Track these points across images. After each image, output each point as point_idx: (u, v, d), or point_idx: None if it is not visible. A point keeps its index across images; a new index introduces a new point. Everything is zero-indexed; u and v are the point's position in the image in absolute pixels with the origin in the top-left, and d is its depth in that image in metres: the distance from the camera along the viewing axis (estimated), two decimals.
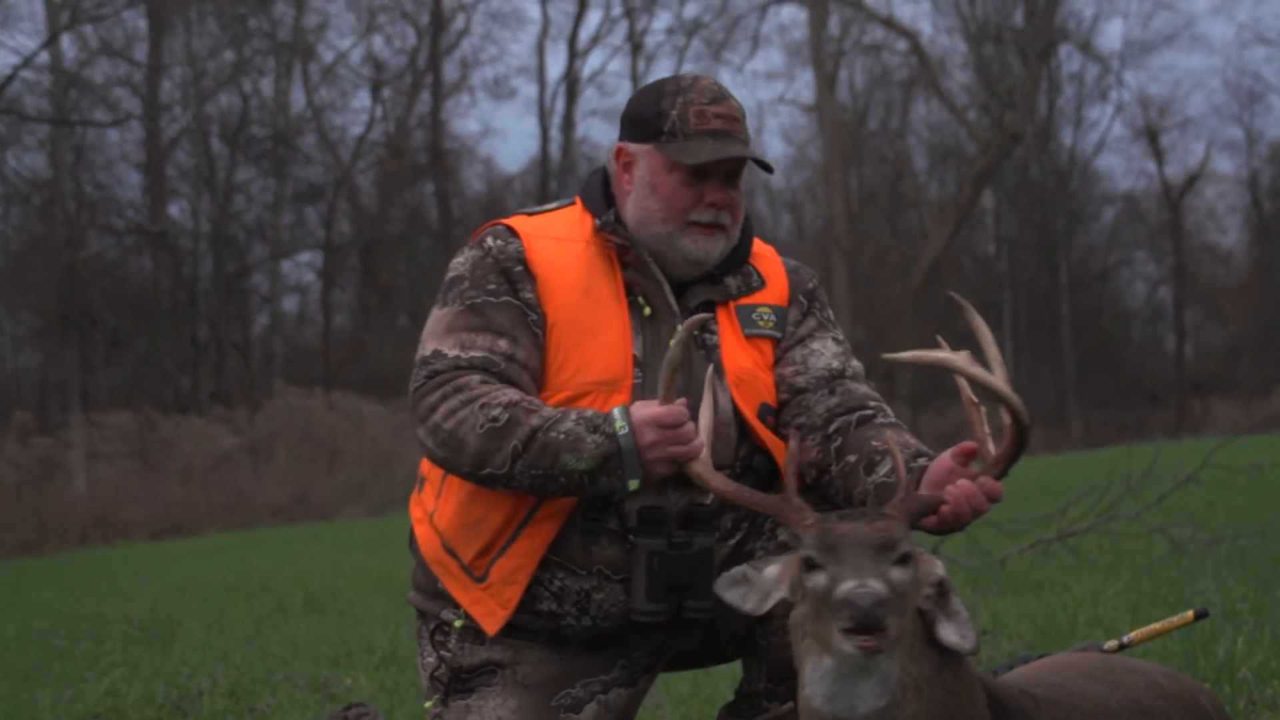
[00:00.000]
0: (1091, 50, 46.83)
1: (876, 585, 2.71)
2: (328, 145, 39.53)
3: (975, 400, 3.20)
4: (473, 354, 3.44)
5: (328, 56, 40.04)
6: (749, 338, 3.66)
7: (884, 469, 3.34)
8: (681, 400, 3.22)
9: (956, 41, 46.26)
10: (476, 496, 3.48)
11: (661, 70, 44.21)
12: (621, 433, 3.19)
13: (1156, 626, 4.00)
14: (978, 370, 3.01)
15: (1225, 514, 12.13)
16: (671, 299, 3.59)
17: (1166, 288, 50.04)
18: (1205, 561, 8.95)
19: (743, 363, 3.62)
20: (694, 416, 3.38)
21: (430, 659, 3.67)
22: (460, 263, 3.62)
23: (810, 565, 2.83)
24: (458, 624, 3.60)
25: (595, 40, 42.94)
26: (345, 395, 32.01)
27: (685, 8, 44.14)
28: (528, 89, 59.93)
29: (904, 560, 2.83)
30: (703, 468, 3.18)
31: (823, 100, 41.38)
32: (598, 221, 3.61)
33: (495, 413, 3.28)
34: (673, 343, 3.11)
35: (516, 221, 3.66)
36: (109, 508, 26.60)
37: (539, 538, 3.45)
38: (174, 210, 36.74)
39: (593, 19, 57.18)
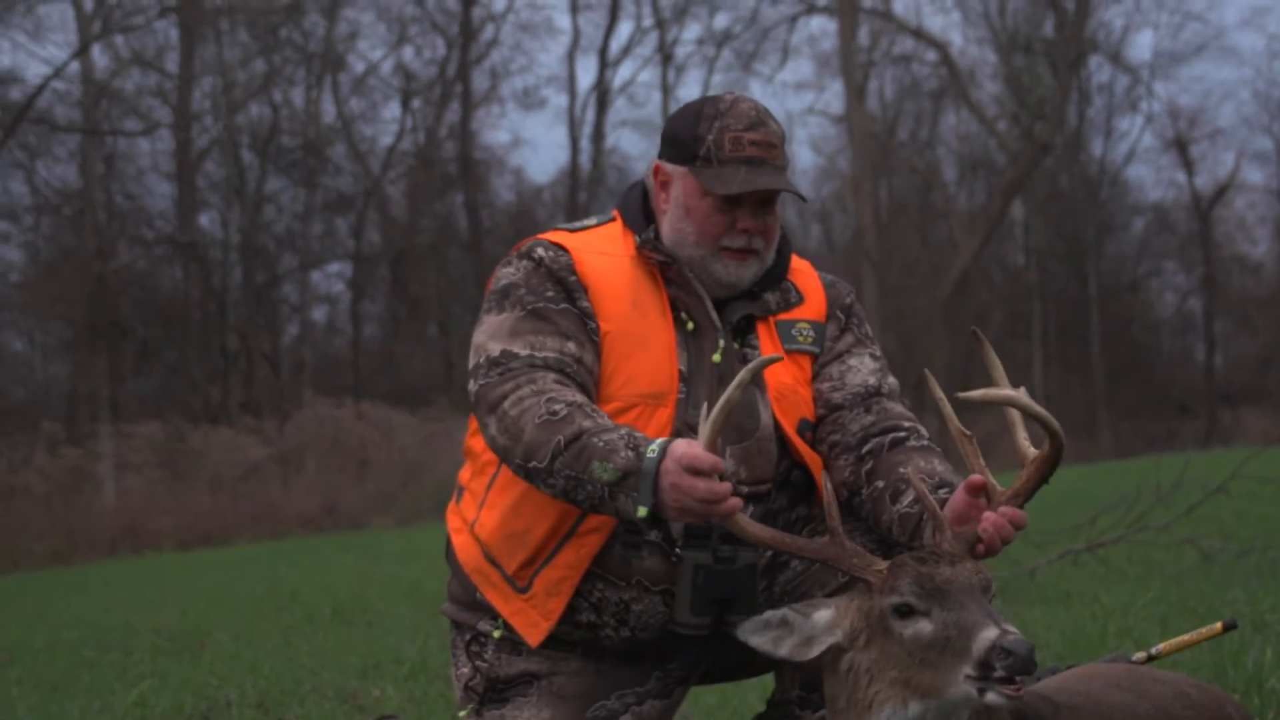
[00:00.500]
0: (1121, 61, 46.71)
1: (1018, 632, 2.73)
2: (357, 155, 39.65)
3: (966, 433, 3.23)
4: (546, 354, 3.43)
5: (358, 67, 40.20)
6: (789, 353, 3.66)
7: (907, 499, 3.36)
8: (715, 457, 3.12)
9: (986, 52, 46.20)
10: (522, 507, 3.48)
11: (691, 81, 44.33)
12: (650, 455, 3.13)
13: (1185, 638, 3.99)
14: (1035, 405, 3.03)
15: (1255, 525, 12.08)
16: (713, 314, 3.59)
17: (1196, 298, 49.83)
18: (1235, 572, 8.92)
19: (784, 378, 3.63)
20: (738, 429, 3.45)
21: (465, 669, 3.67)
22: (511, 272, 3.60)
23: (906, 612, 2.83)
24: (496, 634, 3.60)
25: (626, 51, 42.99)
26: (375, 405, 32.04)
27: (715, 19, 44.06)
28: (558, 99, 59.91)
29: (992, 600, 2.86)
30: (742, 520, 3.10)
31: (852, 111, 41.32)
32: (638, 239, 3.62)
33: (557, 407, 3.26)
34: (733, 384, 3.02)
35: (559, 236, 3.66)
36: (138, 518, 26.67)
37: (584, 550, 3.45)
38: (204, 220, 36.90)
39: (623, 30, 57.17)
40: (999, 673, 2.68)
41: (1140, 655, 3.94)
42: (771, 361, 3.20)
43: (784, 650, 2.99)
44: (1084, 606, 7.80)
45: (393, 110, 42.24)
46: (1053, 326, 44.92)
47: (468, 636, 3.68)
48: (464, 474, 3.75)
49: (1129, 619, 7.04)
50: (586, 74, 74.19)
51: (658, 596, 3.50)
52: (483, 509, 3.60)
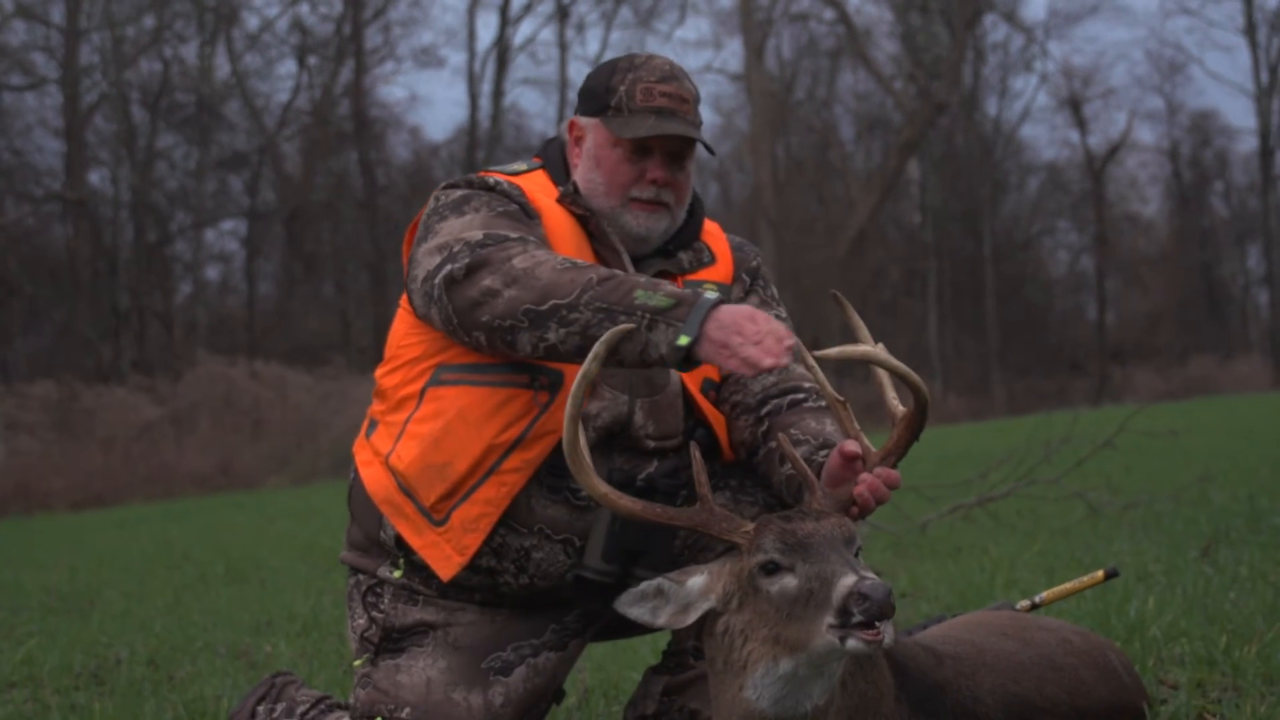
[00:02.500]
0: (1016, 20, 47.23)
1: (878, 578, 2.75)
2: (252, 112, 39.19)
3: (840, 399, 3.25)
4: (530, 238, 3.36)
5: (252, 23, 39.69)
6: None
7: (787, 469, 3.39)
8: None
9: (883, 11, 46.53)
10: (444, 441, 3.45)
11: (591, 39, 44.23)
12: (709, 294, 3.07)
13: (1068, 586, 4.05)
14: (894, 360, 3.03)
15: (1142, 479, 12.28)
16: (631, 268, 3.59)
17: (1089, 257, 50.63)
18: (1121, 525, 9.06)
19: None
20: (648, 383, 3.49)
21: (360, 620, 3.65)
22: (462, 192, 3.52)
23: (772, 569, 2.85)
24: (397, 574, 3.58)
25: (527, 8, 42.83)
26: (269, 364, 31.80)
27: None
28: (457, 57, 59.65)
29: (858, 554, 2.88)
30: (610, 491, 3.04)
31: (751, 69, 41.42)
32: (560, 191, 3.62)
33: (578, 261, 3.20)
34: (589, 358, 2.94)
35: (502, 174, 3.63)
36: (28, 478, 26.29)
37: (504, 488, 3.44)
38: (94, 178, 36.35)
39: None
40: (857, 618, 2.71)
41: (1024, 603, 4.00)
42: (624, 332, 3.04)
43: (662, 619, 3.01)
44: (973, 559, 7.90)
45: (288, 67, 41.71)
46: (948, 285, 45.36)
47: (365, 587, 3.66)
48: (376, 408, 3.71)
49: (1016, 571, 7.13)
50: (486, 31, 73.74)
51: (558, 545, 3.50)
52: (400, 440, 3.56)
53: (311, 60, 40.57)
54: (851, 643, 2.73)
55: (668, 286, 3.09)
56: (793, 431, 3.38)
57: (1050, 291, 50.74)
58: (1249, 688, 4.02)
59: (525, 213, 3.50)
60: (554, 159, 3.73)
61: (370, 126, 40.71)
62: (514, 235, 3.33)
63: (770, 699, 2.89)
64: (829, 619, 2.75)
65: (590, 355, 2.93)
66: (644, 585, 3.02)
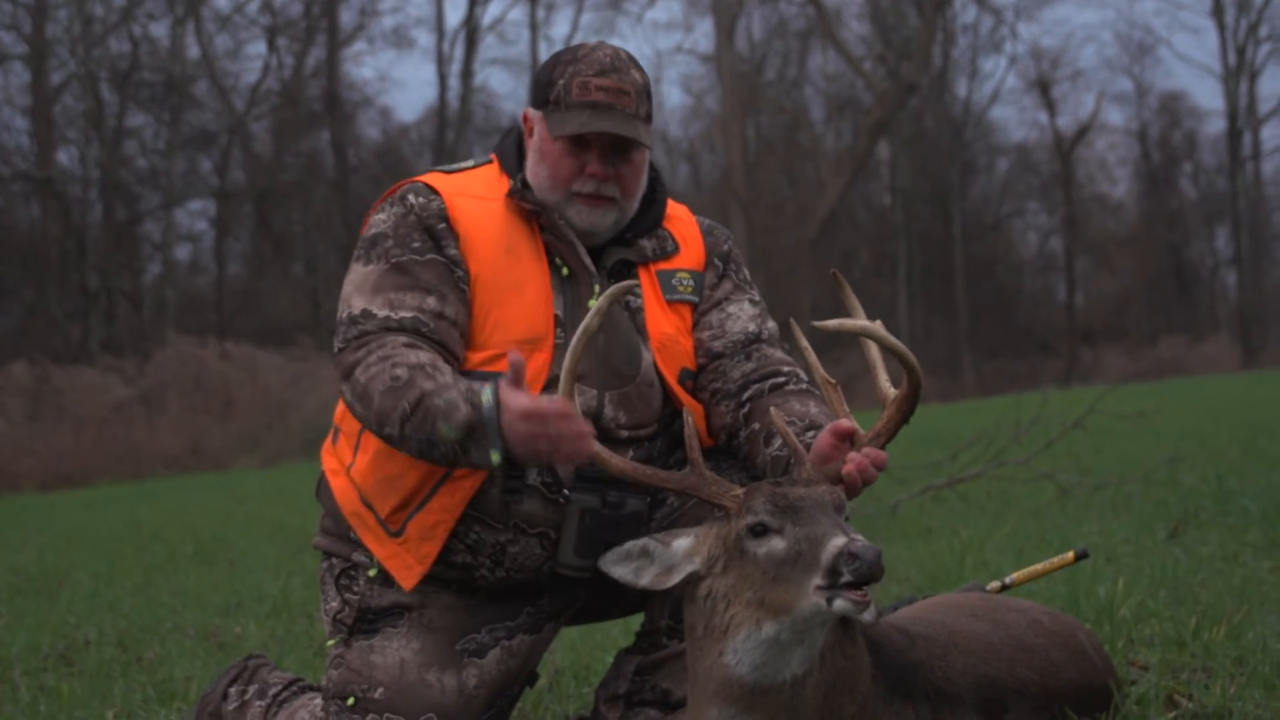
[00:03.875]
0: (986, 2, 47.21)
1: (865, 540, 2.75)
2: (221, 92, 38.98)
3: (831, 381, 3.28)
4: (402, 314, 3.41)
5: (222, 3, 39.47)
6: (670, 303, 3.68)
7: (778, 442, 3.39)
8: (559, 399, 3.09)
9: None
10: (394, 452, 3.45)
11: (561, 20, 44.20)
12: (486, 403, 3.11)
13: (1038, 567, 4.06)
14: (892, 337, 3.06)
15: (1111, 460, 12.34)
16: (587, 259, 3.58)
17: (1058, 238, 50.77)
18: (1090, 506, 9.10)
19: (665, 328, 3.64)
20: (618, 374, 3.49)
21: (334, 603, 3.65)
22: (382, 220, 3.57)
23: (761, 531, 2.86)
24: (372, 573, 3.59)
25: None
26: (239, 345, 31.68)
27: None
28: (427, 38, 59.43)
29: (847, 521, 2.89)
30: (601, 450, 3.11)
31: (721, 50, 41.40)
32: (510, 184, 3.61)
33: (399, 372, 3.25)
34: (591, 312, 3.04)
35: (435, 179, 3.63)
36: None
37: (458, 495, 3.45)
38: (62, 157, 36.08)
39: None
40: (846, 577, 2.71)
41: (994, 584, 4.01)
42: (630, 287, 3.22)
43: (645, 579, 3.03)
44: (943, 540, 7.92)
45: (258, 48, 41.48)
46: (917, 266, 45.43)
47: (338, 570, 3.66)
48: (338, 412, 3.72)
49: (986, 552, 7.16)
50: (455, 11, 73.47)
51: (535, 539, 3.50)
52: (357, 453, 3.59)
53: (281, 41, 40.38)
54: (839, 603, 2.74)
55: (459, 412, 3.13)
56: (777, 413, 3.38)
57: (1020, 273, 50.89)
58: (1219, 669, 4.04)
59: (431, 238, 3.51)
60: (507, 152, 3.72)
61: (340, 107, 40.55)
62: (380, 314, 3.41)
63: (750, 664, 2.89)
64: (816, 580, 2.76)
65: (593, 311, 3.02)
66: (629, 545, 3.05)
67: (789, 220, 43.12)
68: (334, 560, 3.69)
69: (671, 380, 3.61)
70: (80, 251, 34.74)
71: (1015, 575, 4.05)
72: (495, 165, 3.71)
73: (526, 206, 3.57)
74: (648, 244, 3.68)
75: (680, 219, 3.81)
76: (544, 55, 41.21)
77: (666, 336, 3.63)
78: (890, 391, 3.18)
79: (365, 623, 3.60)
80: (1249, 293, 48.75)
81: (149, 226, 38.74)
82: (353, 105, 41.88)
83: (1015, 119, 69.09)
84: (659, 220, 3.73)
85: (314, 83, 40.95)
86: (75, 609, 8.04)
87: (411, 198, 3.56)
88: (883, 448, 3.14)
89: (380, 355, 3.31)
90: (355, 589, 3.62)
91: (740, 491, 2.98)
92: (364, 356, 3.33)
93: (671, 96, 45.67)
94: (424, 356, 3.30)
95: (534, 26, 43.05)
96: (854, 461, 3.07)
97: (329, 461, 3.72)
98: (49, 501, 21.46)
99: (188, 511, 15.98)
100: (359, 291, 3.47)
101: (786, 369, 3.62)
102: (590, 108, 3.50)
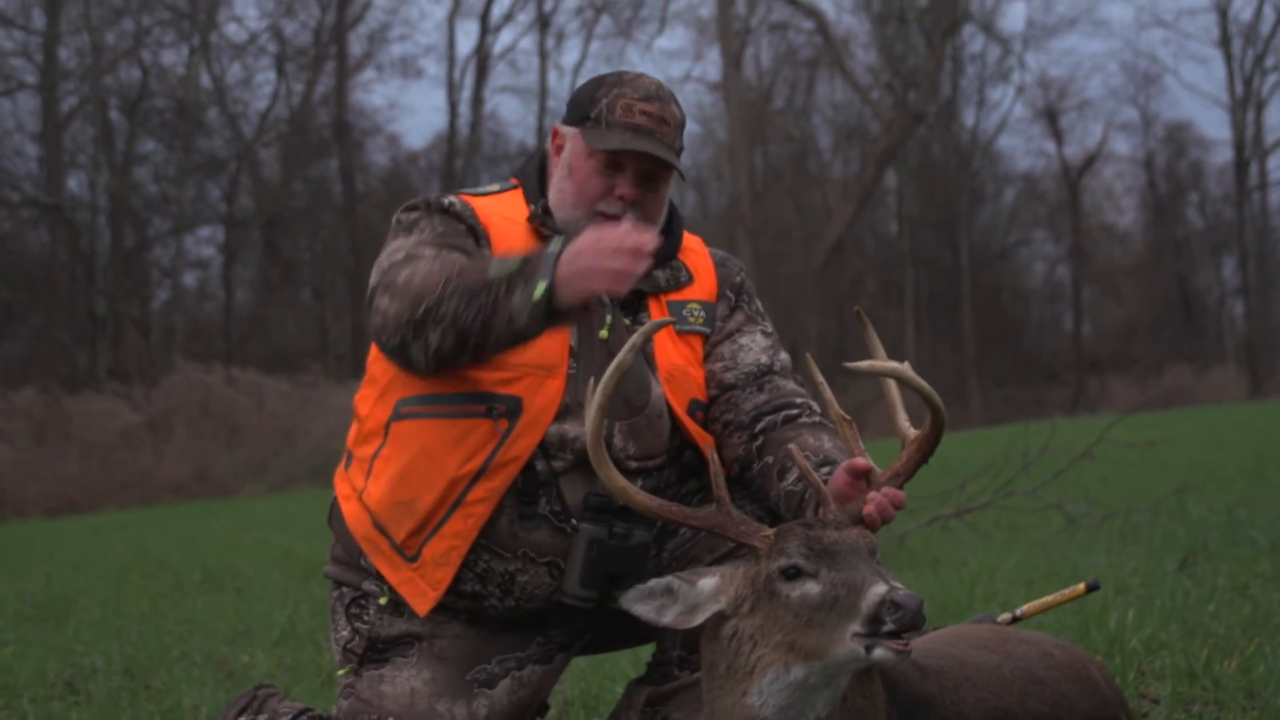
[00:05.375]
0: (994, 32, 47.33)
1: (906, 588, 2.73)
2: (230, 119, 39.07)
3: (847, 418, 3.28)
4: (453, 256, 3.39)
5: (231, 29, 39.59)
6: (680, 334, 3.68)
7: (793, 475, 3.38)
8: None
9: (861, 21, 46.60)
10: (409, 477, 3.46)
11: (570, 49, 44.16)
12: (553, 246, 3.13)
13: (1049, 599, 4.06)
14: (920, 379, 3.04)
15: (1119, 490, 12.31)
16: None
17: (1065, 267, 50.77)
18: (1099, 536, 9.09)
19: (674, 359, 3.64)
20: (627, 404, 3.48)
21: (344, 632, 3.65)
22: (418, 215, 3.57)
23: (794, 574, 2.83)
24: (383, 600, 3.59)
25: (508, 17, 42.74)
26: (246, 371, 31.68)
27: None
28: (436, 65, 59.59)
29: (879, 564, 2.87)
30: (628, 486, 3.06)
31: (729, 78, 41.48)
32: (530, 209, 3.62)
33: (448, 257, 3.29)
34: (626, 347, 2.97)
35: (463, 196, 3.64)
36: (3, 485, 26.15)
37: (471, 520, 3.44)
38: (72, 183, 36.17)
39: None
40: (888, 627, 2.69)
41: (1005, 616, 4.01)
42: (665, 324, 3.21)
43: (668, 618, 2.98)
44: (952, 570, 7.91)
45: (267, 75, 41.55)
46: (924, 294, 45.44)
47: (349, 599, 3.66)
48: (351, 436, 3.72)
49: (995, 582, 7.14)
50: (466, 39, 73.68)
51: (543, 568, 3.50)
52: (370, 478, 3.58)
53: (290, 68, 40.49)
54: (879, 652, 2.71)
55: (515, 254, 3.12)
56: (790, 447, 3.38)
57: (1026, 301, 50.87)
58: (1230, 701, 4.03)
59: (473, 233, 3.51)
60: (529, 177, 3.72)
61: (349, 134, 40.64)
62: (430, 253, 3.35)
63: (775, 707, 2.86)
64: (855, 627, 2.73)
65: (627, 347, 2.96)
66: (653, 583, 3.00)
67: (796, 248, 43.16)
68: (344, 589, 3.68)
69: (680, 412, 3.61)
70: (89, 277, 34.81)
71: (1026, 607, 4.04)
72: (518, 191, 3.71)
73: (546, 232, 3.57)
74: (661, 274, 3.68)
75: (694, 250, 3.81)
76: (553, 83, 41.32)
77: (675, 368, 3.63)
78: (910, 431, 3.18)
79: (375, 652, 3.59)
80: (1255, 322, 48.68)
81: (157, 252, 38.85)
82: (361, 132, 42.01)
83: (1022, 148, 69.11)
84: (675, 251, 3.73)
85: (323, 110, 41.06)
86: (82, 636, 8.03)
87: (450, 198, 3.58)
88: (900, 487, 3.13)
89: (434, 256, 3.31)
90: (366, 618, 3.62)
91: (770, 532, 2.95)
92: (413, 265, 3.32)
93: (682, 142, 45.54)
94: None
95: (544, 55, 43.14)
96: (874, 502, 3.06)
97: (341, 487, 3.71)
98: (55, 528, 21.45)
99: (195, 538, 15.97)
100: (400, 250, 3.43)
101: (799, 401, 3.62)
102: (632, 129, 3.52)
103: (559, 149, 3.66)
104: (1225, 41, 47.61)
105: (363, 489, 3.60)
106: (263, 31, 39.76)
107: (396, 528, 3.51)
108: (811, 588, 2.81)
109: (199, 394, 30.14)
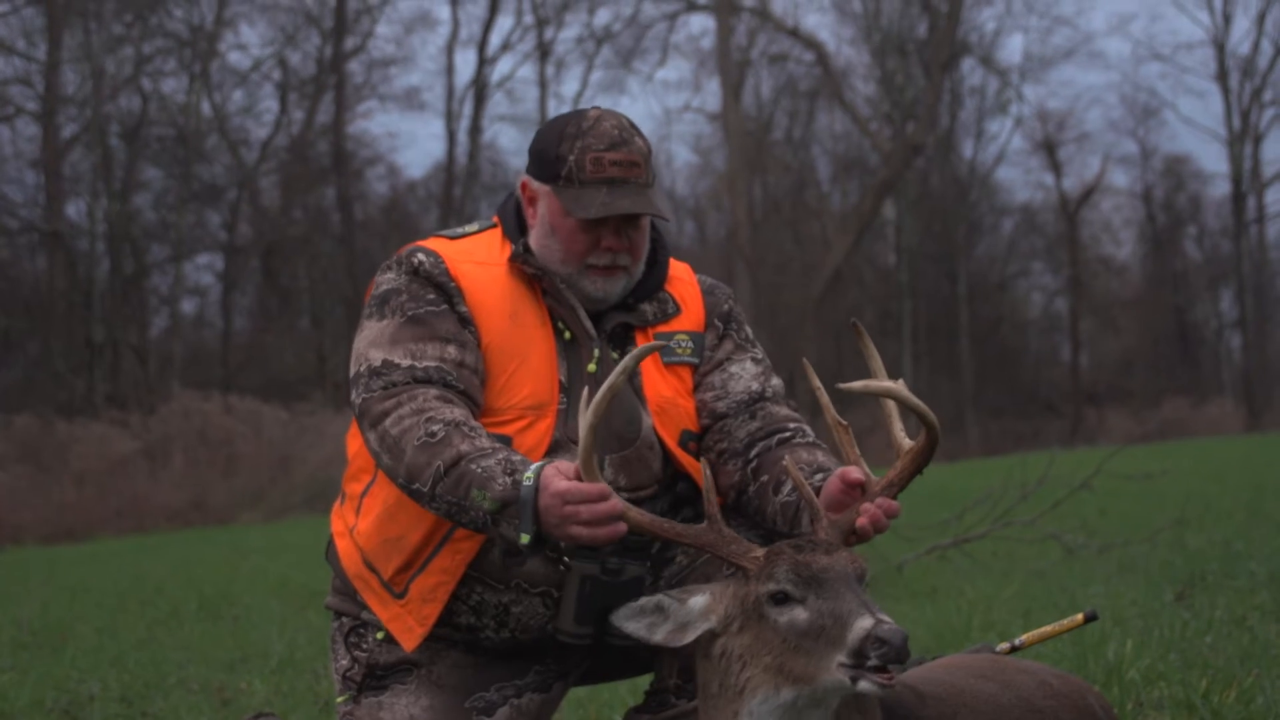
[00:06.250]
0: (992, 64, 47.46)
1: (893, 621, 2.75)
2: (230, 146, 39.12)
3: (843, 423, 3.30)
4: (426, 364, 3.40)
5: (232, 56, 39.69)
6: (668, 365, 3.68)
7: (787, 488, 3.40)
8: (601, 484, 3.08)
9: (861, 53, 46.73)
10: (396, 514, 3.47)
11: (571, 78, 44.29)
12: (526, 483, 3.10)
13: (1047, 629, 4.06)
14: (914, 398, 3.08)
15: (1117, 521, 12.32)
16: (588, 323, 3.59)
17: (1063, 299, 50.77)
18: (1096, 567, 9.09)
19: (663, 391, 3.64)
20: (618, 438, 3.49)
21: (344, 660, 3.65)
22: (391, 278, 3.57)
23: (782, 599, 2.86)
24: (380, 635, 3.59)
25: (505, 46, 42.83)
26: (243, 399, 31.66)
27: (596, 16, 43.85)
28: (435, 95, 59.76)
29: (866, 590, 2.89)
30: (618, 502, 3.07)
31: (728, 109, 41.54)
32: (513, 249, 3.63)
33: (435, 428, 3.25)
34: (617, 370, 3.00)
35: (437, 244, 3.63)
36: (0, 511, 26.10)
37: (459, 556, 3.44)
38: (71, 210, 36.17)
39: (503, 24, 57.14)
40: (873, 661, 2.71)
41: (1004, 646, 4.00)
42: (657, 348, 3.24)
43: (659, 636, 3.01)
44: (950, 600, 7.91)
45: (268, 103, 41.58)
46: (923, 325, 45.47)
47: (348, 628, 3.66)
48: (346, 477, 3.74)
49: (993, 612, 7.14)
50: (465, 68, 73.89)
51: (537, 599, 3.50)
52: (360, 515, 3.60)
53: (292, 97, 40.56)
54: (864, 684, 2.73)
55: (496, 483, 3.14)
56: (784, 462, 3.38)
57: (1025, 333, 50.89)
58: None
59: (444, 294, 3.51)
60: (508, 216, 3.72)
61: (348, 162, 40.68)
62: (404, 364, 3.40)
63: None
64: (841, 657, 2.75)
65: (618, 369, 2.99)
66: (644, 600, 3.03)
67: (794, 279, 43.18)
68: (344, 619, 3.69)
69: (672, 444, 3.61)
70: (87, 304, 34.80)
71: (1025, 637, 4.04)
72: (498, 230, 3.71)
73: (529, 271, 3.58)
74: (648, 308, 3.68)
75: (681, 280, 3.81)
76: (553, 112, 41.51)
77: (665, 400, 3.63)
78: (905, 442, 3.19)
79: (374, 679, 3.59)
80: (1253, 355, 48.70)
81: (156, 280, 38.84)
82: (361, 161, 42.04)
83: (1021, 180, 69.24)
84: (661, 283, 3.73)
85: (323, 139, 41.10)
86: (79, 664, 8.02)
87: (420, 256, 3.57)
88: (894, 497, 3.14)
89: (414, 408, 3.31)
90: (364, 646, 3.62)
91: (760, 553, 2.96)
92: (394, 408, 3.33)
93: (679, 154, 45.76)
94: (459, 413, 3.31)
95: (543, 84, 43.24)
96: (868, 513, 3.08)
97: (336, 523, 3.72)
98: (52, 555, 21.40)
99: (191, 566, 15.95)
100: (376, 345, 3.47)
101: (793, 425, 3.62)
102: (607, 184, 3.50)
103: (530, 200, 3.65)
104: (1223, 76, 47.75)
105: (354, 525, 3.61)
106: (266, 59, 39.85)
107: (385, 564, 3.51)
108: (799, 614, 2.83)
109: (196, 421, 30.10)
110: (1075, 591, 7.85)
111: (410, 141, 70.98)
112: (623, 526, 3.07)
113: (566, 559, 3.41)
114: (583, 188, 3.51)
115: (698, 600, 3.00)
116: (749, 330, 3.86)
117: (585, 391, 3.14)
